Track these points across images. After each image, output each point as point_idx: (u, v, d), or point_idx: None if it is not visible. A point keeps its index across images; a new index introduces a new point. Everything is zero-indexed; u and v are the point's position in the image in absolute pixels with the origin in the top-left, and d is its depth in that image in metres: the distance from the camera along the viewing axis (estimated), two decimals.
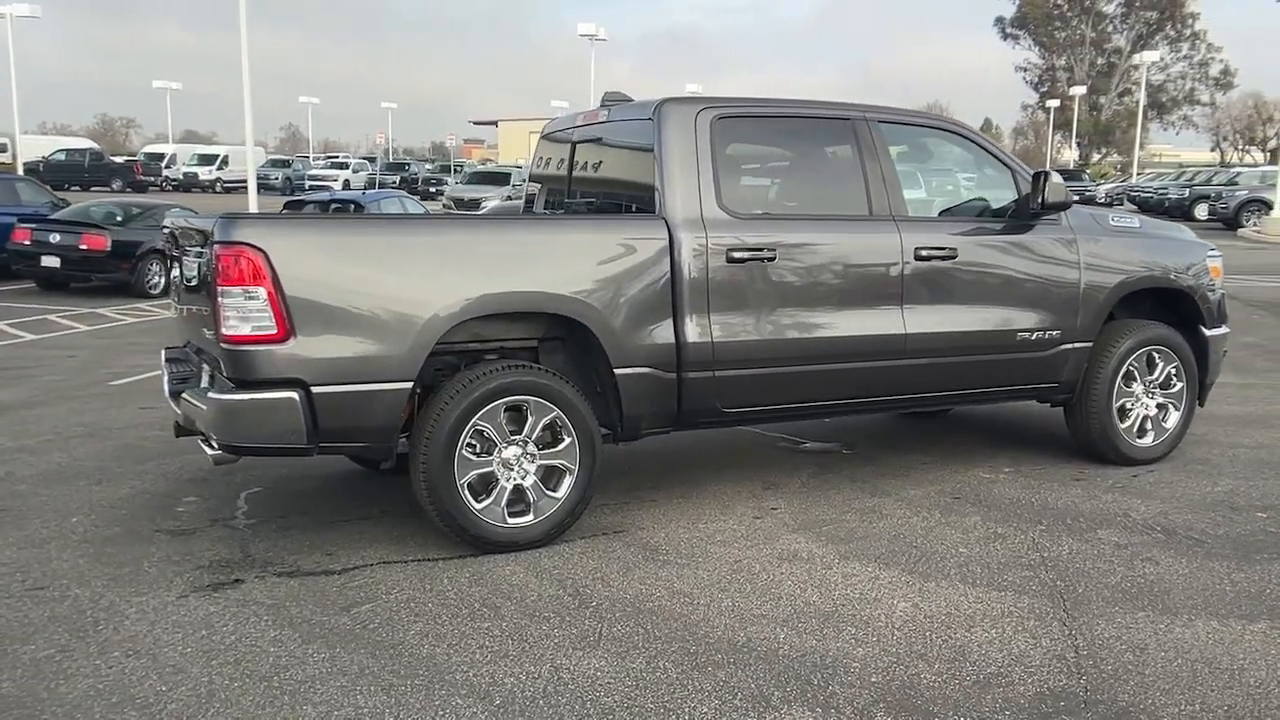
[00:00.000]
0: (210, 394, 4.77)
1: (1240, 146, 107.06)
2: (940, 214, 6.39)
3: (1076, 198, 6.88)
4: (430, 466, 5.01)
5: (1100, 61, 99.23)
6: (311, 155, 70.55)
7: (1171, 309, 7.02)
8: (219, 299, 4.71)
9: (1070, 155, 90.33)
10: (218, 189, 52.05)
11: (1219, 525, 5.69)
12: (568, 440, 5.28)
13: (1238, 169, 47.68)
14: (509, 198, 34.16)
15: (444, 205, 38.53)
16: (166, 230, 5.74)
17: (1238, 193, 34.42)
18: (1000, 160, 6.52)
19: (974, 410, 8.25)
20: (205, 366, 5.47)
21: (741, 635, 4.30)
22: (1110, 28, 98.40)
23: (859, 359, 5.92)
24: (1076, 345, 6.56)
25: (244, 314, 4.69)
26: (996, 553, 5.27)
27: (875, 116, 6.17)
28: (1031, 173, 6.35)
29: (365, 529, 5.62)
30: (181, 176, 53.17)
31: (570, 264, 5.26)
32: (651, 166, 5.62)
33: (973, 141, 6.52)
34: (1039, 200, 6.18)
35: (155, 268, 17.16)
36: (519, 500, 5.25)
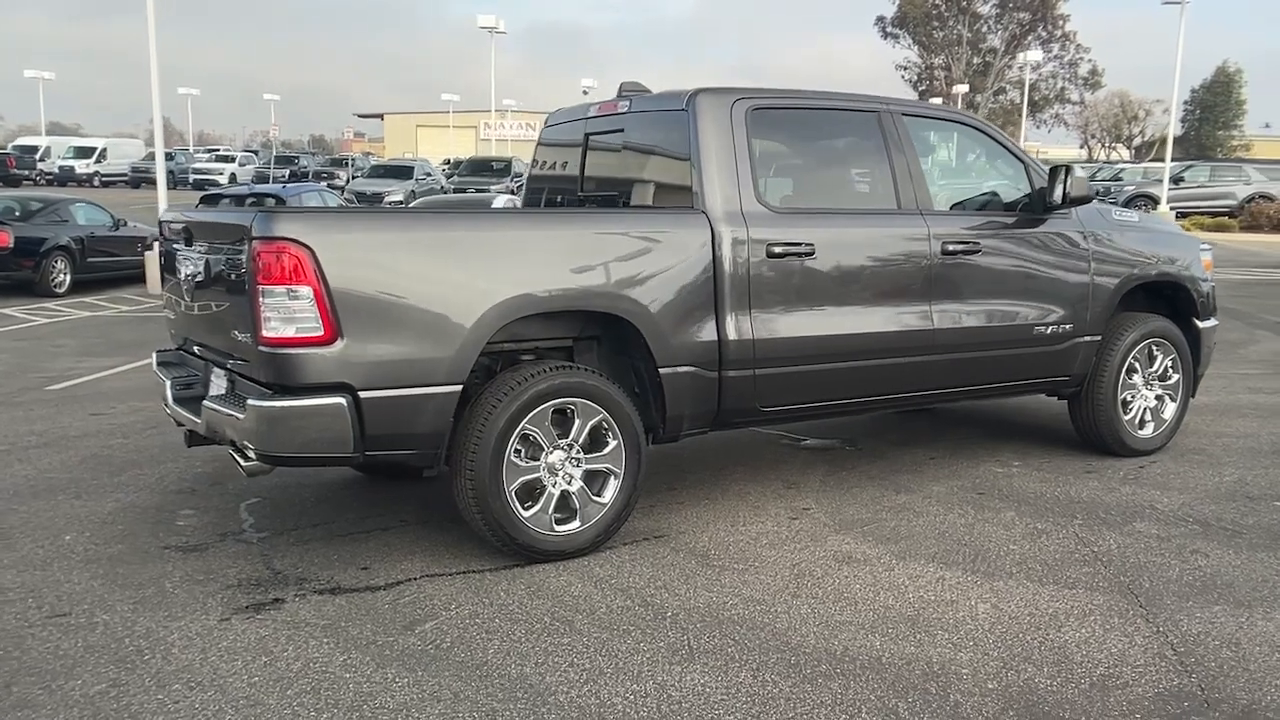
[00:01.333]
0: (251, 400, 4.42)
1: (1107, 144, 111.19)
2: (953, 207, 6.32)
3: None
4: (478, 474, 4.74)
5: (976, 61, 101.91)
6: (191, 148, 68.21)
7: (1167, 302, 7.10)
8: (259, 299, 4.37)
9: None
10: (95, 183, 49.87)
11: (1246, 515, 5.75)
12: (613, 443, 5.07)
13: (1121, 165, 49.42)
14: (413, 193, 33.51)
15: (344, 200, 37.63)
16: (173, 224, 5.32)
17: (1125, 188, 35.62)
18: (1014, 154, 6.50)
19: (964, 404, 8.26)
20: (220, 370, 5.11)
21: (835, 644, 4.15)
22: (985, 28, 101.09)
23: (892, 355, 5.83)
24: (1087, 339, 6.57)
25: (287, 315, 4.37)
26: (1046, 549, 5.22)
27: (898, 109, 6.08)
28: (1049, 167, 6.33)
29: (391, 540, 5.32)
30: (57, 170, 50.80)
31: (618, 260, 5.04)
32: (685, 159, 5.43)
33: (987, 135, 6.48)
34: (1060, 194, 6.16)
35: (61, 265, 16.34)
36: (564, 507, 5.02)
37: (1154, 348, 6.92)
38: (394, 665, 3.95)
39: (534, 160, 6.90)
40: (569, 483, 5.01)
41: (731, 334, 5.29)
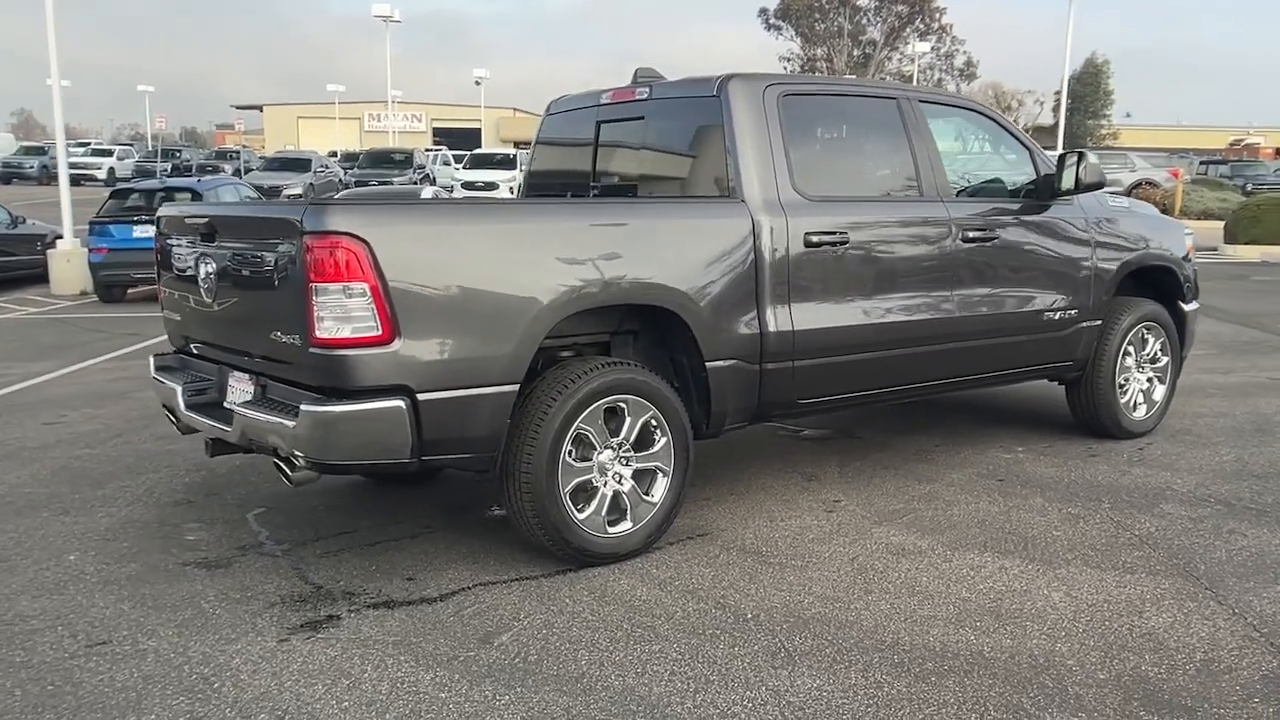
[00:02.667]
0: (305, 406, 4.14)
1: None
2: (962, 194, 6.30)
3: None
4: (534, 476, 4.54)
5: (857, 53, 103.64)
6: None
7: (1154, 286, 7.21)
8: (311, 298, 4.09)
9: None
10: None
11: (1262, 494, 5.86)
12: (663, 441, 4.91)
13: None
14: (311, 186, 32.63)
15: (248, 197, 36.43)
16: (187, 219, 4.97)
17: None
18: (1018, 139, 6.52)
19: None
20: (241, 374, 4.80)
21: (930, 639, 4.07)
22: (865, 20, 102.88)
23: (921, 344, 5.79)
24: (1090, 323, 6.63)
25: (343, 314, 4.10)
26: (1088, 534, 5.23)
27: (915, 95, 6.04)
28: (1058, 153, 6.34)
29: (425, 548, 5.08)
30: None
31: (667, 252, 4.88)
32: (717, 146, 5.29)
33: (994, 121, 6.49)
34: (1073, 180, 6.18)
35: None
36: (613, 508, 4.85)
37: (1146, 331, 7.02)
38: (488, 682, 3.74)
39: (532, 154, 6.67)
40: (619, 482, 4.83)
41: (771, 325, 5.18)
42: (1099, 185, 6.29)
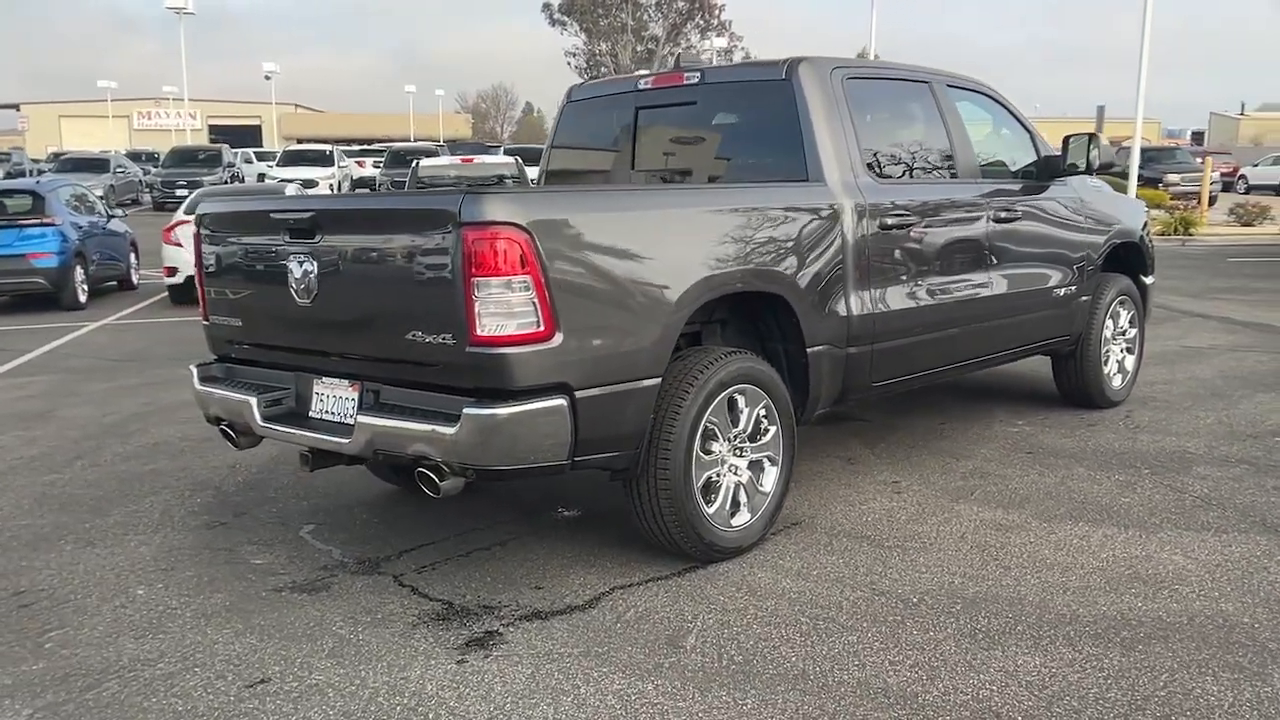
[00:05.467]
0: (468, 410, 3.85)
1: None
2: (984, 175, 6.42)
3: None
4: (672, 472, 4.38)
5: (640, 49, 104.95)
6: None
7: (1122, 261, 7.57)
8: (471, 293, 3.82)
9: None
10: None
11: (1273, 452, 6.24)
12: (773, 430, 4.83)
13: None
14: (112, 187, 30.64)
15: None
16: (274, 214, 4.53)
17: None
18: (1021, 122, 6.72)
19: None
20: (334, 380, 4.45)
21: (1103, 609, 4.13)
22: (647, 16, 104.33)
23: (970, 322, 5.90)
24: (1084, 299, 6.92)
25: (507, 309, 3.84)
26: (1153, 499, 5.44)
27: (942, 79, 6.15)
28: (1066, 135, 6.57)
29: (522, 554, 4.84)
30: None
31: (777, 237, 4.80)
32: (789, 131, 5.23)
33: (998, 103, 6.66)
34: (1084, 162, 6.41)
35: None
36: (733, 500, 4.74)
37: (1119, 305, 7.37)
38: (715, 687, 3.58)
39: (551, 142, 6.42)
40: (737, 474, 4.73)
41: (856, 309, 5.17)
42: (1111, 166, 6.55)
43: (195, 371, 4.99)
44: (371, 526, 5.28)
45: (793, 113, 5.20)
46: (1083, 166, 6.44)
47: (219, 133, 73.34)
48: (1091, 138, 6.42)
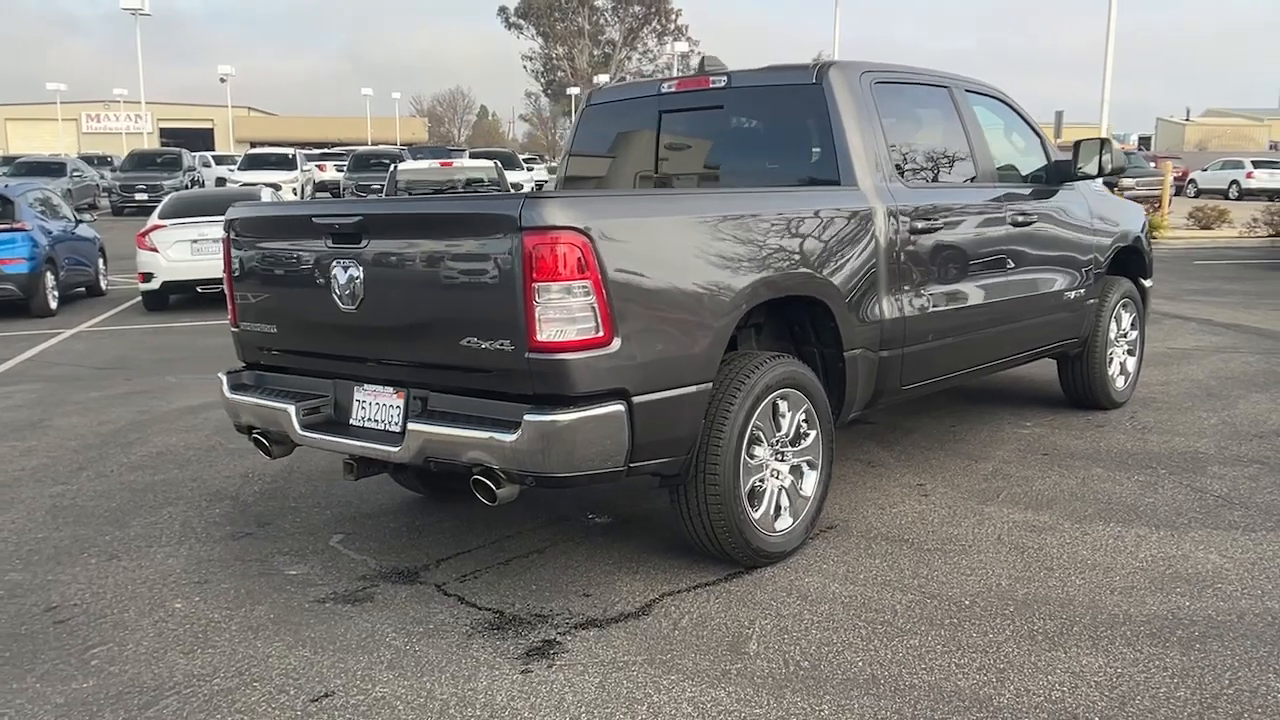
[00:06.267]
0: (529, 416, 3.80)
1: None
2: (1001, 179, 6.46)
3: None
4: (722, 477, 4.36)
5: (597, 53, 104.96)
6: None
7: (1124, 264, 7.67)
8: (532, 298, 3.78)
9: None
10: None
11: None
12: (813, 434, 4.83)
13: None
14: (69, 191, 30.04)
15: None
16: (317, 218, 4.45)
17: None
18: (1031, 126, 6.79)
19: None
20: (375, 386, 4.39)
21: (1153, 609, 4.16)
22: (604, 20, 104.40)
23: (991, 325, 5.95)
24: (1091, 301, 6.99)
25: (567, 315, 3.81)
26: (1176, 498, 5.50)
27: (960, 84, 6.19)
28: (1075, 140, 6.63)
29: (564, 561, 4.81)
30: None
31: (818, 241, 4.80)
32: (820, 135, 5.25)
33: (1009, 107, 6.71)
34: (1096, 166, 6.47)
35: None
36: (775, 505, 4.74)
37: (1122, 308, 7.45)
38: (788, 692, 3.56)
39: (570, 147, 6.39)
40: (779, 479, 4.72)
41: (888, 312, 5.19)
42: (1122, 170, 6.62)
43: (225, 379, 4.90)
44: (401, 535, 5.21)
45: (824, 116, 5.21)
46: (1095, 171, 6.50)
47: (170, 136, 72.34)
48: (1104, 142, 6.49)
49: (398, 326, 4.25)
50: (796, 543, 4.75)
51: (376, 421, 4.39)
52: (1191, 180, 45.68)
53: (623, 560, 4.78)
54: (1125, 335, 7.56)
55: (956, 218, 5.64)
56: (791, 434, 4.72)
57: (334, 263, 4.32)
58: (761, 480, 4.61)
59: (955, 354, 5.75)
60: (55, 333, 12.63)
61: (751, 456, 4.55)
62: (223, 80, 59.83)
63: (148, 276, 13.95)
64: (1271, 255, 19.08)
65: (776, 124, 5.55)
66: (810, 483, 4.84)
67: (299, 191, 31.83)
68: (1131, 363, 7.66)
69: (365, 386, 4.45)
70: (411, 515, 5.51)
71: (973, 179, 5.98)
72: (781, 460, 4.73)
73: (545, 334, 3.79)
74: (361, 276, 4.24)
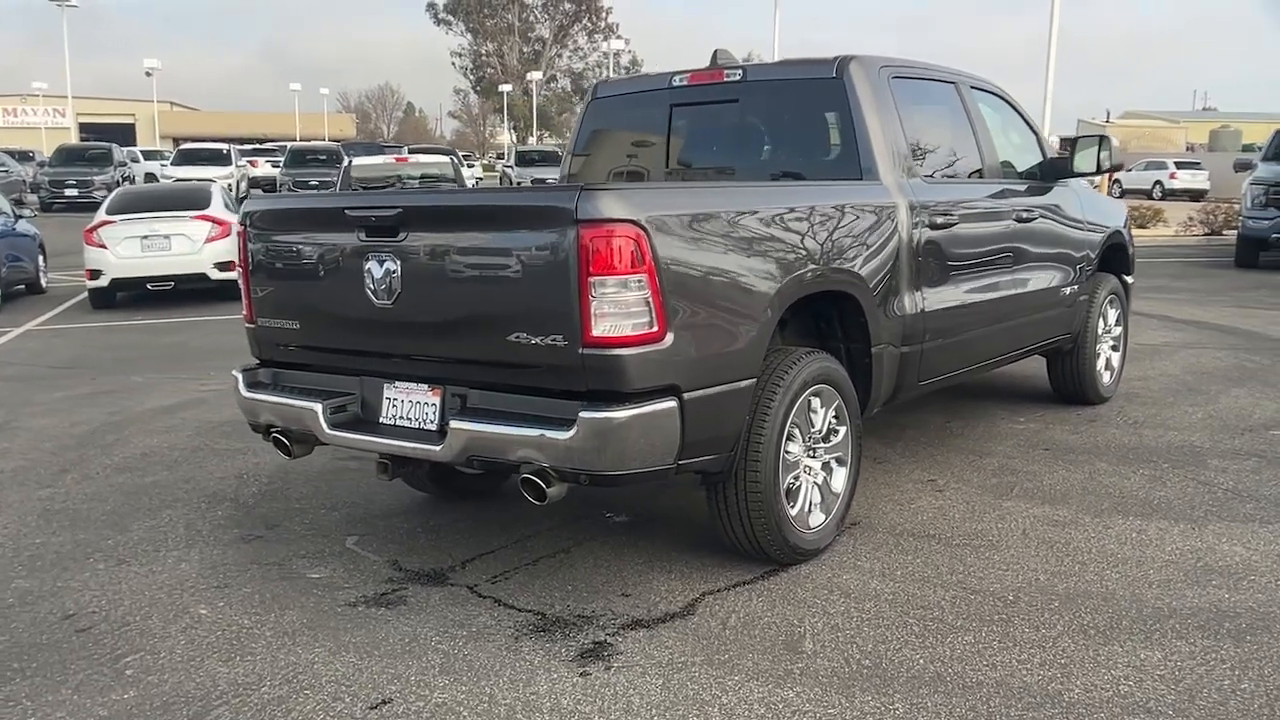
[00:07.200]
0: (584, 414, 3.72)
1: None
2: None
3: None
4: (763, 475, 4.32)
5: (527, 50, 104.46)
6: None
7: (1108, 261, 7.76)
8: (588, 293, 3.70)
9: (507, 139, 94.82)
10: None
11: (1275, 446, 6.44)
12: (843, 430, 4.81)
13: None
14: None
15: None
16: (350, 210, 4.29)
17: None
18: (1028, 123, 6.84)
19: None
20: (408, 384, 4.28)
21: (1194, 601, 4.19)
22: (534, 17, 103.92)
23: (999, 320, 5.98)
24: (1083, 297, 7.07)
25: (623, 309, 3.73)
26: (1186, 492, 5.57)
27: (964, 79, 6.21)
28: (1075, 137, 6.69)
29: (593, 561, 4.73)
30: None
31: (849, 236, 4.77)
32: (840, 129, 5.23)
33: (1007, 103, 6.75)
34: (1094, 164, 6.53)
35: None
36: (808, 501, 4.70)
37: (1109, 304, 7.55)
38: (856, 691, 3.52)
39: (576, 141, 6.29)
40: (812, 475, 4.69)
41: (909, 307, 5.18)
42: (1120, 167, 6.69)
43: (240, 378, 4.74)
44: (417, 536, 5.09)
45: (845, 111, 5.18)
46: (1093, 168, 6.56)
47: (89, 131, 70.52)
48: (1102, 140, 6.56)
49: (437, 322, 4.13)
50: (829, 540, 4.72)
51: (409, 420, 4.27)
52: (1117, 180, 46.65)
53: (653, 559, 4.71)
54: (1110, 331, 7.65)
55: (970, 213, 5.65)
56: (824, 431, 4.68)
57: (368, 256, 4.19)
58: (796, 477, 4.57)
59: (967, 349, 5.77)
60: (3, 331, 12.21)
61: (787, 453, 4.50)
62: (148, 74, 58.46)
63: (96, 274, 13.55)
64: (1209, 254, 19.52)
65: (795, 118, 5.51)
66: (840, 479, 4.81)
67: (234, 188, 31.16)
68: (1116, 358, 7.76)
69: (396, 384, 4.33)
70: (424, 515, 5.39)
71: (980, 175, 5.99)
72: (813, 457, 4.69)
73: (600, 329, 3.71)
74: (399, 270, 4.12)
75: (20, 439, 7.14)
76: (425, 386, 4.24)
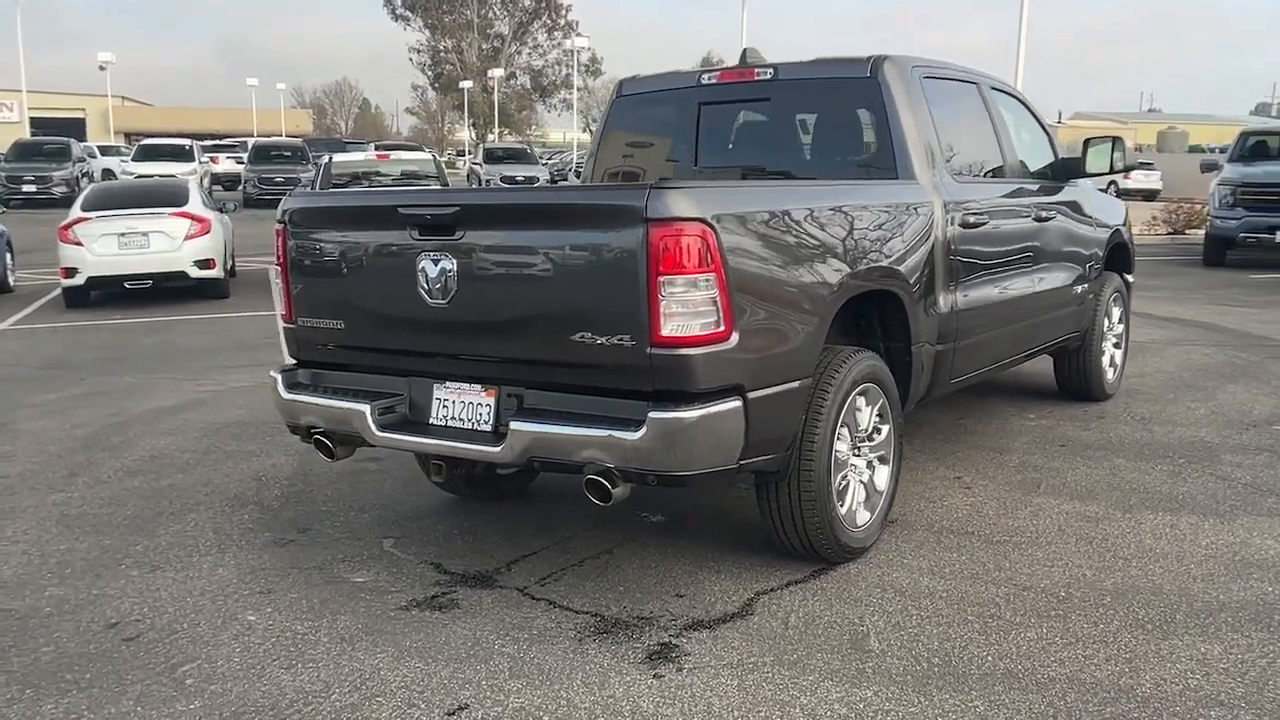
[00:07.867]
0: (654, 414, 3.69)
1: None
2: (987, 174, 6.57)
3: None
4: (817, 474, 4.32)
5: (486, 46, 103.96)
6: None
7: (1109, 259, 7.84)
8: (657, 292, 3.68)
9: (465, 135, 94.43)
10: None
11: None
12: (886, 429, 4.82)
13: None
14: None
15: None
16: (404, 208, 4.22)
17: None
18: (1040, 123, 6.89)
19: None
20: (460, 385, 4.24)
21: (1240, 595, 4.25)
22: (492, 14, 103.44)
23: (1022, 319, 6.03)
24: (1092, 296, 7.15)
25: (692, 309, 3.71)
26: (1208, 487, 5.64)
27: (986, 80, 6.25)
28: (1085, 138, 6.75)
29: (638, 561, 4.72)
30: None
31: (892, 234, 4.79)
32: (875, 128, 5.25)
33: (1022, 103, 6.81)
34: (1107, 165, 6.59)
35: None
36: (855, 500, 4.71)
37: (1113, 302, 7.64)
38: (933, 690, 3.53)
39: (599, 139, 6.25)
40: (858, 474, 4.70)
41: (944, 306, 5.21)
42: (1132, 168, 6.76)
43: (279, 379, 4.66)
44: (454, 539, 5.05)
45: (880, 110, 5.20)
46: (1107, 168, 6.62)
47: (39, 125, 69.23)
48: (1115, 140, 6.62)
49: (495, 322, 4.08)
50: (875, 538, 4.74)
51: (462, 421, 4.23)
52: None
53: (699, 559, 4.70)
54: (1114, 329, 7.74)
55: (997, 211, 5.69)
56: (869, 429, 4.69)
57: (422, 255, 4.14)
58: (844, 476, 4.58)
59: (994, 348, 5.81)
60: None
61: (837, 452, 4.51)
62: (102, 68, 57.49)
63: (71, 271, 13.28)
64: (1177, 253, 19.84)
65: (828, 117, 5.52)
66: (883, 478, 4.82)
67: (199, 184, 30.67)
68: (1118, 355, 7.85)
69: (447, 384, 4.28)
70: (457, 517, 5.34)
71: (1002, 174, 6.04)
72: (859, 455, 4.70)
73: (669, 328, 3.69)
74: (455, 270, 4.07)
75: (21, 441, 6.99)
76: (479, 387, 4.20)
